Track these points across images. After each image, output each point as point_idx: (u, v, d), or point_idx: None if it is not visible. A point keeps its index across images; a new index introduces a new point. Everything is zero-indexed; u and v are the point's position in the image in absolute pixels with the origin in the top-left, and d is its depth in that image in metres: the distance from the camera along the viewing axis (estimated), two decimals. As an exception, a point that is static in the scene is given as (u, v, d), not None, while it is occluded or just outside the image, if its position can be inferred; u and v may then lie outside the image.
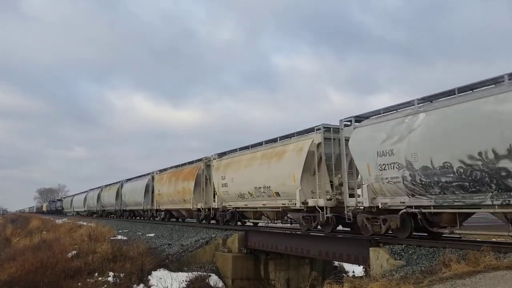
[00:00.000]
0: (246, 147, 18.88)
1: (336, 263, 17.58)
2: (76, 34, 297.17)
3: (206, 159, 22.54)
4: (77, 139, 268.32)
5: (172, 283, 14.25)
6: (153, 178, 30.55)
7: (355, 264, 14.05)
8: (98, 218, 42.68)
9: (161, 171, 29.63)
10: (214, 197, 20.91)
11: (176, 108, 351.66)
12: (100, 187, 47.57)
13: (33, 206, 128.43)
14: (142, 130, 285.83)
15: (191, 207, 23.00)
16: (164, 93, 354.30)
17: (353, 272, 17.91)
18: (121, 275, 15.26)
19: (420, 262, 9.40)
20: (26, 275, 15.60)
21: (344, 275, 15.95)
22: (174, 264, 16.64)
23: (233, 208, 19.27)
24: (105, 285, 14.84)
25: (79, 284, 15.09)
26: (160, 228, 25.37)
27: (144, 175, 33.89)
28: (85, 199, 54.21)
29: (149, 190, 30.85)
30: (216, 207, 20.62)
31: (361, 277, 11.32)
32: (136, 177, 36.75)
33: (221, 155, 21.34)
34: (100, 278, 15.35)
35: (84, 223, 34.09)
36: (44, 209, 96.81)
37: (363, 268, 13.85)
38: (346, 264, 17.05)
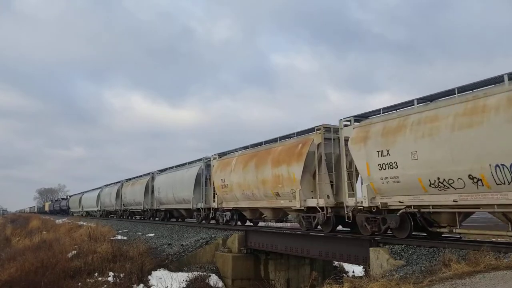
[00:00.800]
0: (450, 92, 10.30)
1: (336, 263, 17.59)
2: (72, 32, 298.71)
3: (325, 128, 14.32)
4: (75, 139, 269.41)
5: (172, 283, 14.25)
6: (207, 165, 22.78)
7: (355, 264, 14.06)
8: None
9: (220, 155, 21.55)
10: (346, 189, 13.12)
11: (173, 107, 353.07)
12: (119, 181, 39.62)
13: (34, 206, 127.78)
14: (140, 129, 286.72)
15: (298, 205, 14.50)
16: (162, 92, 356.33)
17: (353, 272, 17.94)
18: (121, 275, 15.26)
19: (420, 262, 9.40)
20: (26, 275, 15.58)
21: (344, 275, 15.97)
22: (174, 264, 16.64)
23: (409, 207, 10.92)
24: (105, 285, 14.83)
25: (79, 284, 15.07)
26: (160, 228, 25.33)
27: (190, 163, 25.32)
28: (98, 197, 46.28)
29: (200, 182, 22.70)
30: (364, 204, 12.04)
31: (361, 277, 11.33)
32: (174, 167, 27.90)
33: (360, 118, 12.88)
34: (100, 278, 15.34)
35: (84, 223, 34.08)
36: (47, 208, 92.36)
37: (363, 268, 13.85)
38: (346, 264, 17.07)
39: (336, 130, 13.96)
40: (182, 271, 15.87)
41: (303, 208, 14.54)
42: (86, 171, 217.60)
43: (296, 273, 16.54)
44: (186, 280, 14.91)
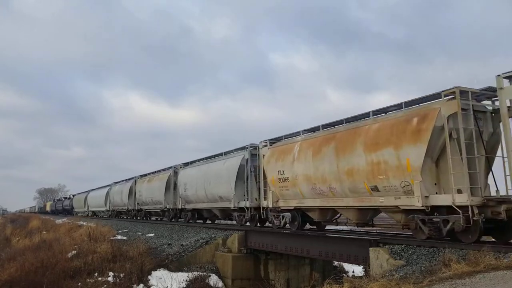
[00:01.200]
0: None
1: (336, 263, 17.59)
2: (71, 32, 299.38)
3: (475, 93, 10.37)
4: (75, 139, 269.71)
5: (172, 283, 14.26)
6: (252, 155, 18.30)
7: (355, 264, 14.06)
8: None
9: (273, 141, 17.08)
10: None
11: (173, 107, 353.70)
12: (132, 178, 35.73)
13: (34, 206, 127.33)
14: (140, 129, 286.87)
15: (418, 203, 10.42)
16: (161, 92, 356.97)
17: (353, 272, 17.94)
18: (121, 275, 15.26)
19: (420, 262, 9.40)
20: (26, 275, 15.59)
21: (344, 275, 15.97)
22: (174, 264, 16.65)
23: None
24: (105, 285, 14.84)
25: (79, 284, 15.09)
26: (160, 228, 25.31)
27: (228, 153, 20.69)
28: (107, 195, 42.58)
29: (243, 176, 18.44)
30: None
31: (361, 277, 11.33)
32: (205, 158, 23.16)
33: None
34: (100, 278, 15.34)
35: (84, 223, 34.07)
36: (48, 208, 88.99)
37: (363, 268, 13.85)
38: (346, 264, 17.08)
39: (476, 95, 10.45)
40: (182, 271, 15.87)
41: (423, 207, 10.40)
42: (86, 171, 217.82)
43: (296, 273, 16.54)
44: (186, 280, 14.92)
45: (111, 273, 15.49)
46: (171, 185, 26.64)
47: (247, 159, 18.41)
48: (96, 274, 15.76)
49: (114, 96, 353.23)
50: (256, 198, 17.96)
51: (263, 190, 17.31)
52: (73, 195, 67.82)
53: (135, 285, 14.72)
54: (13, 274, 16.05)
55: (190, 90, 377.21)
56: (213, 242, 17.61)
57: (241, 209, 18.80)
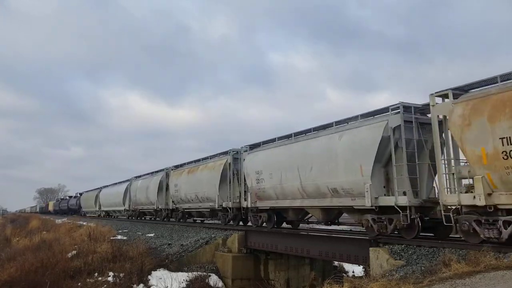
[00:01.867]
0: None
1: (336, 263, 17.59)
2: (69, 31, 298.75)
3: None
4: (74, 139, 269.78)
5: (172, 283, 14.26)
6: (406, 122, 11.10)
7: (355, 264, 14.07)
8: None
9: (465, 89, 9.84)
10: None
11: (172, 107, 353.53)
12: (162, 169, 28.95)
13: (35, 206, 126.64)
14: (139, 129, 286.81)
15: None
16: (160, 91, 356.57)
17: (353, 272, 17.93)
18: (121, 275, 15.27)
19: (420, 262, 9.39)
20: (26, 275, 15.59)
21: (344, 275, 15.96)
22: (174, 264, 16.66)
23: None
24: (105, 285, 14.84)
25: (79, 284, 15.09)
26: (160, 228, 25.33)
27: (343, 122, 13.35)
28: (126, 192, 36.17)
29: (384, 156, 11.46)
30: None
31: (361, 277, 11.33)
32: (292, 135, 15.66)
33: None
34: (100, 278, 15.35)
35: (84, 223, 34.10)
36: (51, 208, 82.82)
37: (363, 268, 13.85)
38: (346, 264, 17.07)
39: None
40: (182, 271, 15.88)
41: None
42: (86, 171, 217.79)
43: (296, 273, 16.55)
44: (186, 280, 14.92)
45: (111, 273, 15.50)
46: (228, 176, 19.82)
47: (394, 128, 11.10)
48: (96, 274, 15.77)
49: (113, 95, 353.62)
50: (411, 191, 10.78)
51: (446, 176, 10.09)
52: (81, 193, 60.43)
53: (135, 285, 14.72)
54: (13, 274, 16.05)
55: (189, 89, 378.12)
56: (213, 242, 17.61)
57: (382, 209, 11.43)
